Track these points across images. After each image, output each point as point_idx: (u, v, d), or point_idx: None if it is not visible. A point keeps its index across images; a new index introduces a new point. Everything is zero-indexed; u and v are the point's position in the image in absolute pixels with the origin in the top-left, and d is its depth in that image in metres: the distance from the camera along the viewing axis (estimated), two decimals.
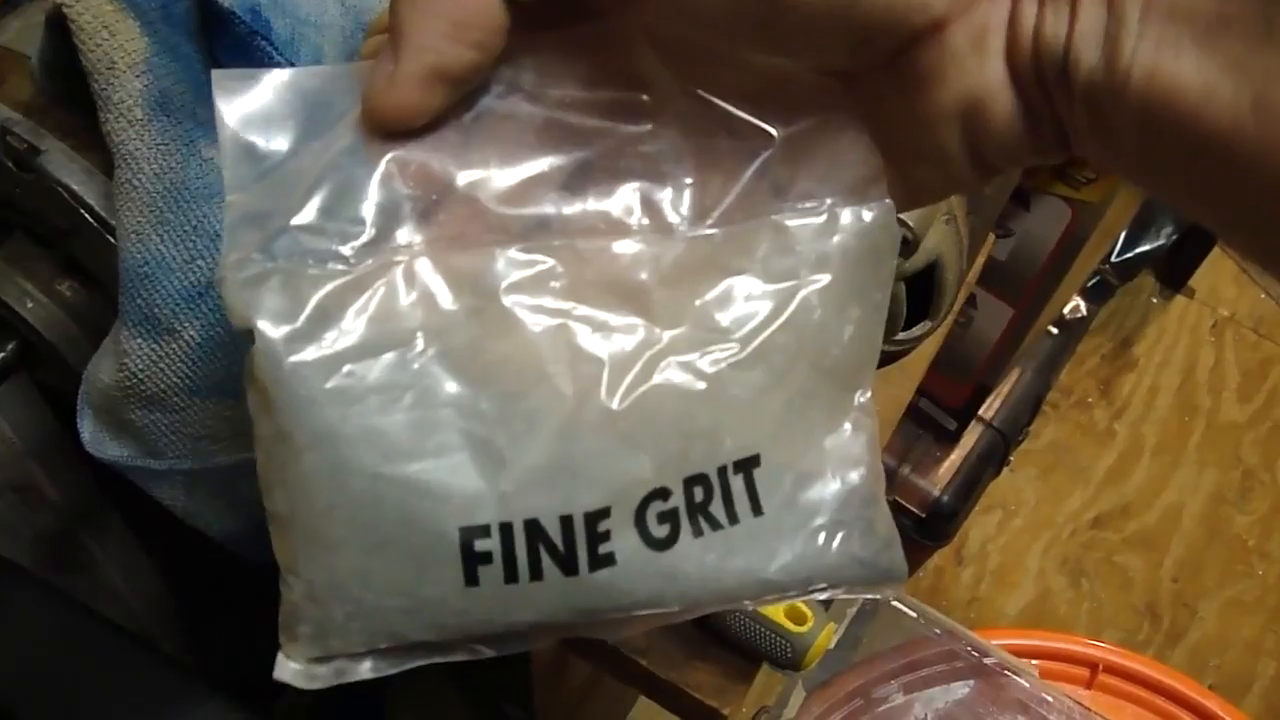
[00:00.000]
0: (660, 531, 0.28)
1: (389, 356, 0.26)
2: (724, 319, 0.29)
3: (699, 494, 0.28)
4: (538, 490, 0.27)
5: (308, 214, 0.26)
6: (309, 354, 0.25)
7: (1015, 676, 0.69)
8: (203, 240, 0.39)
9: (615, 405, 0.27)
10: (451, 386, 0.26)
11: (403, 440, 0.26)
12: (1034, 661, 0.73)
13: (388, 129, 0.26)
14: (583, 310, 0.28)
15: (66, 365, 0.46)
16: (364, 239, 0.26)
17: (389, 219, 0.26)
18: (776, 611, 0.53)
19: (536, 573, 0.27)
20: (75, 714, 0.46)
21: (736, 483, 0.29)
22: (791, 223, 0.29)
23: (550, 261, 0.27)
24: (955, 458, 1.22)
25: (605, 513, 0.27)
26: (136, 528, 0.68)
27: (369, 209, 0.26)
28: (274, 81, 0.26)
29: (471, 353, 0.27)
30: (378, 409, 0.26)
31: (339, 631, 0.27)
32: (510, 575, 0.27)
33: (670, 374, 0.28)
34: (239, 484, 0.44)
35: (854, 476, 0.31)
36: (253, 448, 0.42)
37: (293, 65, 0.39)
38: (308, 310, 0.26)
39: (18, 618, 0.48)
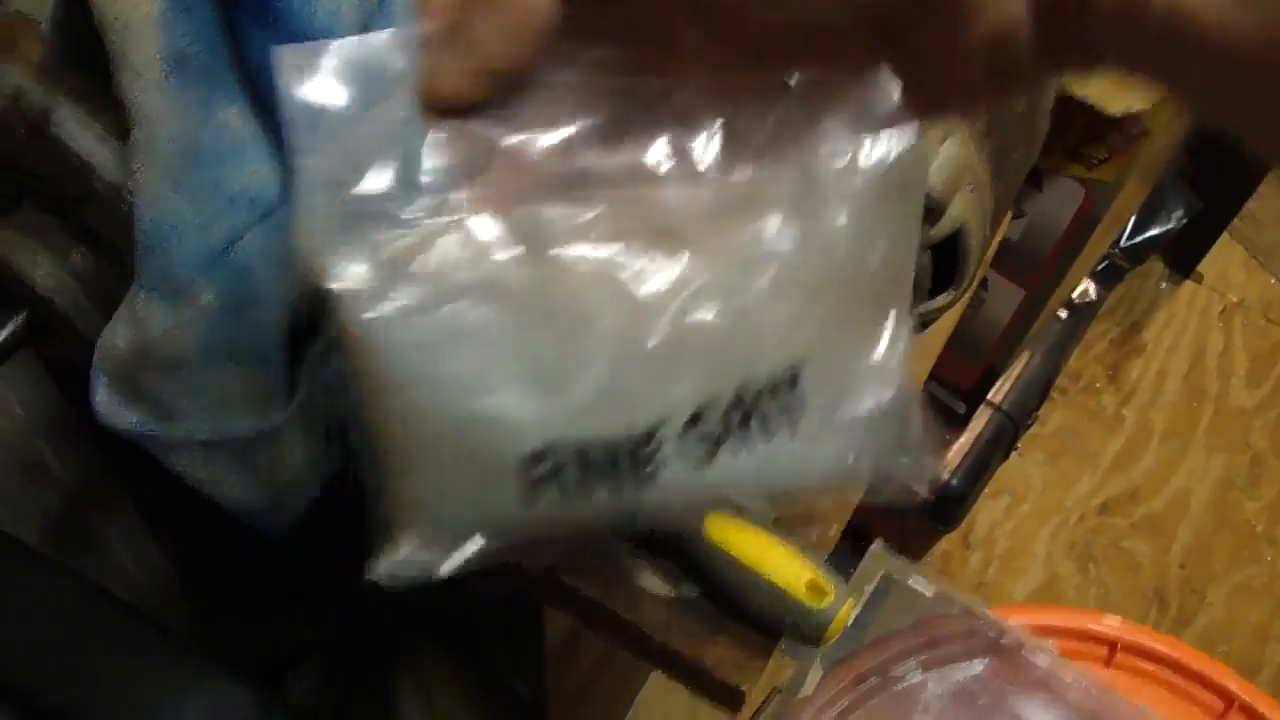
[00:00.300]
0: (701, 451, 0.32)
1: (454, 306, 0.29)
2: (757, 254, 0.31)
3: (737, 417, 0.32)
4: (589, 418, 0.30)
5: (372, 180, 0.28)
6: (384, 309, 0.28)
7: (1033, 654, 0.69)
8: (220, 202, 0.38)
9: (658, 338, 0.30)
10: (510, 329, 0.29)
11: (470, 379, 0.29)
12: (1051, 640, 0.72)
13: (438, 110, 0.28)
14: (625, 254, 0.30)
15: (77, 334, 0.46)
16: (424, 200, 0.29)
17: (445, 181, 0.29)
18: (798, 587, 0.53)
19: (588, 491, 0.31)
20: (86, 693, 0.45)
21: (772, 406, 0.32)
22: (818, 163, 0.31)
23: (593, 211, 0.30)
24: (964, 441, 1.21)
25: (650, 436, 0.31)
26: (145, 507, 0.68)
27: (427, 172, 0.29)
28: (333, 52, 0.28)
29: (526, 298, 0.29)
30: (447, 353, 0.29)
31: (423, 537, 0.31)
32: (566, 494, 0.30)
33: (708, 307, 0.31)
34: (256, 454, 0.43)
35: (886, 394, 0.34)
36: (268, 418, 0.42)
37: (310, 23, 0.39)
38: (379, 269, 0.28)
39: (27, 597, 0.48)
